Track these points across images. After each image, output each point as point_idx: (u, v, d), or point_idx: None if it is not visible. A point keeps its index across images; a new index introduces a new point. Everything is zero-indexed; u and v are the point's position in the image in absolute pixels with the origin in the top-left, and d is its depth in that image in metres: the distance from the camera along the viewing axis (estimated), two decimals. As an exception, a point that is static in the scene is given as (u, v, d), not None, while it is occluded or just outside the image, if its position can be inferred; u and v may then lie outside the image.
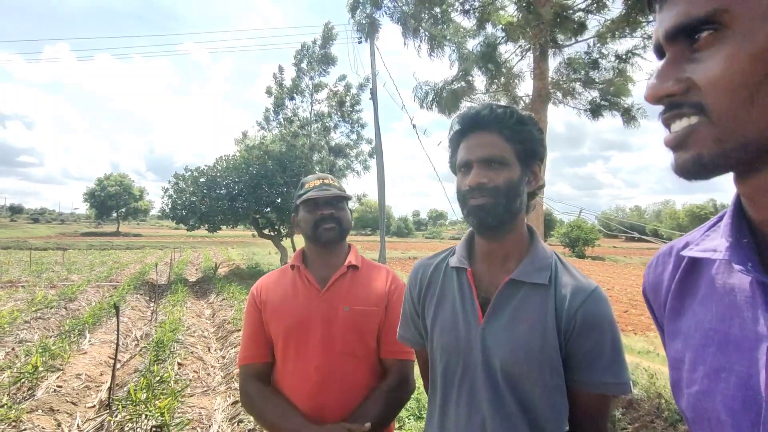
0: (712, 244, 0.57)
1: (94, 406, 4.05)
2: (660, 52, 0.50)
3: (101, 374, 4.97)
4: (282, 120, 19.11)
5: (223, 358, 5.64)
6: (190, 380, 4.63)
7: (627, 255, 41.14)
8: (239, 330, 6.46)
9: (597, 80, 6.29)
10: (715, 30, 0.43)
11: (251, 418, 3.60)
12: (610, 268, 26.66)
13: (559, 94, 6.59)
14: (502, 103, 1.06)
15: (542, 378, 0.95)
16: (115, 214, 71.22)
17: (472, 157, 0.98)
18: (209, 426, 3.64)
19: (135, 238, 56.13)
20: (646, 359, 6.73)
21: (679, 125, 0.47)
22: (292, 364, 1.39)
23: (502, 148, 0.97)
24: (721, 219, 0.57)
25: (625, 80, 6.07)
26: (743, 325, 0.51)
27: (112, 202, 67.32)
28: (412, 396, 2.17)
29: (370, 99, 10.82)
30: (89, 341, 5.98)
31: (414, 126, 9.34)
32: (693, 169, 0.47)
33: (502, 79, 6.11)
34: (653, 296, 0.68)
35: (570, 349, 0.95)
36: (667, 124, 0.49)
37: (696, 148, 0.46)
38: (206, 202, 14.62)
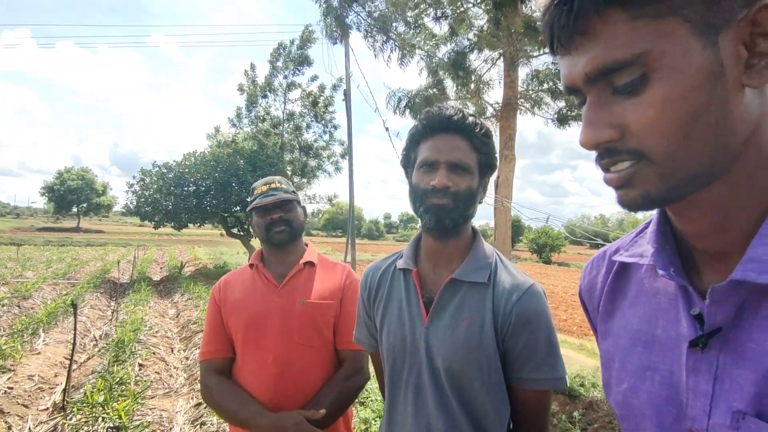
0: (640, 249, 0.61)
1: (47, 408, 3.89)
2: (573, 92, 0.51)
3: (56, 375, 4.77)
4: (254, 118, 18.86)
5: (187, 359, 5.50)
6: (152, 381, 4.50)
7: (591, 261, 42.28)
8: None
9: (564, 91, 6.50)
10: (641, 72, 0.44)
11: (215, 421, 3.54)
12: (575, 273, 27.41)
13: (527, 103, 6.79)
14: (471, 110, 1.09)
15: (482, 375, 0.97)
16: (75, 210, 68.39)
17: (441, 158, 0.99)
18: (170, 428, 3.55)
19: (97, 234, 54.04)
20: (604, 362, 6.96)
21: (621, 167, 0.48)
22: (251, 356, 1.44)
23: (469, 156, 1.00)
24: (648, 226, 0.61)
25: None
26: (666, 326, 0.55)
27: (72, 196, 64.56)
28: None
29: (343, 100, 10.81)
30: (44, 341, 5.74)
31: (387, 129, 9.40)
32: (642, 204, 0.48)
33: (472, 86, 6.23)
34: (588, 299, 0.73)
35: (507, 346, 0.98)
36: (605, 167, 0.49)
37: (642, 187, 0.47)
38: (172, 199, 14.24)
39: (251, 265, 1.55)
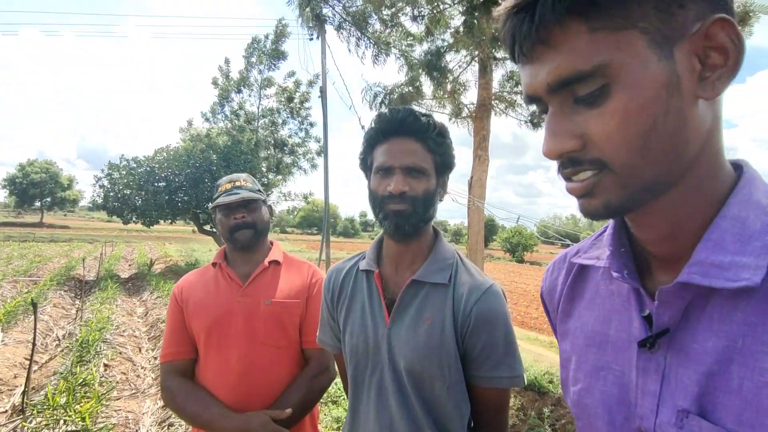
0: (597, 252, 0.63)
1: (6, 411, 3.74)
2: (534, 101, 0.51)
3: (15, 377, 4.58)
4: (228, 113, 18.53)
5: (155, 358, 5.37)
6: (117, 382, 4.38)
7: (561, 260, 43.35)
8: (174, 329, 6.19)
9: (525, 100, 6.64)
10: (602, 83, 0.45)
11: (183, 422, 3.47)
12: (546, 272, 27.96)
13: (502, 104, 6.89)
14: (427, 111, 1.08)
15: (443, 375, 0.98)
16: (38, 204, 65.77)
17: (395, 164, 0.98)
18: (137, 430, 3.46)
19: (61, 230, 52.15)
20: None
21: (583, 176, 0.48)
22: (214, 357, 1.41)
23: (424, 158, 1.00)
24: (606, 229, 0.63)
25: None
26: (619, 327, 0.57)
27: (35, 190, 62.11)
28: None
29: (319, 97, 10.74)
30: (2, 341, 5.50)
31: (363, 127, 9.40)
32: (604, 213, 0.49)
33: (448, 86, 6.28)
34: (549, 299, 0.74)
35: (466, 346, 0.99)
36: (567, 176, 0.50)
37: (603, 196, 0.48)
38: (142, 194, 13.85)
39: (214, 264, 1.52)
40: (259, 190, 1.54)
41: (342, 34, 6.22)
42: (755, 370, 0.43)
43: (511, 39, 0.49)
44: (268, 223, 1.55)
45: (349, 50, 6.19)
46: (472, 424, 1.05)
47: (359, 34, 6.12)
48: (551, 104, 0.49)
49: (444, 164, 1.04)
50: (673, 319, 0.50)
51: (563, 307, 0.68)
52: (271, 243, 1.61)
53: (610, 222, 0.61)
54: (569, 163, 0.49)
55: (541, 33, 0.46)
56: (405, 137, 1.00)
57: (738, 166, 0.52)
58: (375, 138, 1.03)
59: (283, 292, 1.46)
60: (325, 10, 6.69)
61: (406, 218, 0.98)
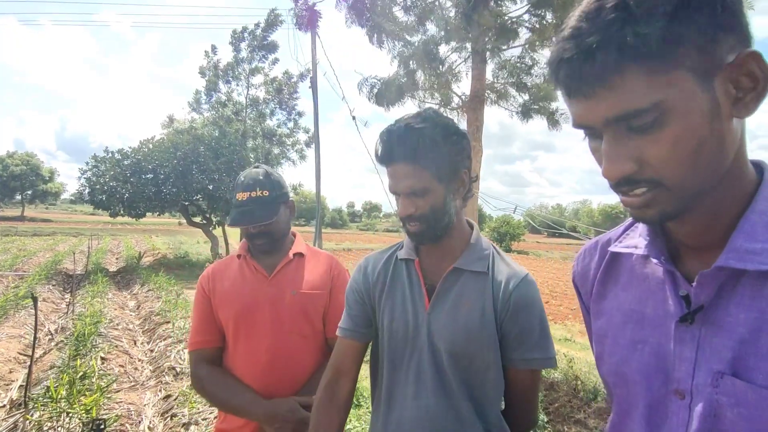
0: (633, 242, 0.70)
1: (4, 405, 3.73)
2: (585, 128, 0.58)
3: (10, 372, 4.56)
4: (215, 103, 18.30)
5: (152, 351, 5.37)
6: (117, 375, 4.38)
7: (549, 250, 44.05)
8: (168, 322, 6.18)
9: (528, 85, 6.70)
10: (655, 116, 0.51)
11: (185, 412, 3.51)
12: (534, 261, 28.41)
13: (493, 95, 6.94)
14: (422, 112, 1.07)
15: (482, 357, 1.05)
16: (19, 197, 64.35)
17: (398, 189, 1.05)
18: (139, 422, 3.49)
19: (44, 223, 51.22)
20: (564, 346, 7.33)
21: (639, 191, 0.56)
22: (242, 346, 1.45)
23: (421, 178, 1.02)
24: (634, 222, 0.71)
25: (553, 86, 6.50)
26: (656, 305, 0.66)
27: (16, 183, 60.71)
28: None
29: (309, 88, 10.65)
30: (-5, 336, 5.45)
31: (354, 118, 9.36)
32: (659, 220, 0.58)
33: (443, 77, 6.31)
34: (581, 282, 0.82)
35: (504, 330, 1.06)
36: (624, 193, 0.57)
37: (659, 207, 0.56)
38: (129, 187, 13.66)
39: (239, 256, 1.54)
40: (277, 195, 1.48)
41: (345, 15, 6.12)
42: None
43: (567, 81, 0.55)
44: (287, 225, 1.56)
45: (353, 25, 6.09)
46: (503, 406, 1.12)
47: (364, 16, 6.05)
48: (606, 133, 0.55)
49: (447, 169, 1.05)
50: (708, 297, 0.58)
51: (597, 289, 0.76)
52: (294, 235, 1.62)
53: None
54: (625, 182, 0.56)
55: (601, 76, 0.51)
56: (400, 162, 1.04)
57: (757, 165, 0.61)
58: (380, 163, 1.09)
59: (308, 283, 1.51)
60: (318, 5, 6.65)
61: (421, 234, 1.07)
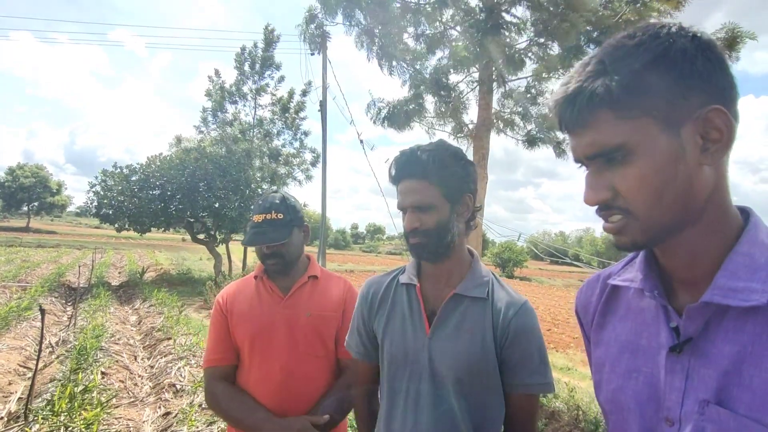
0: (630, 275, 0.76)
1: (3, 418, 3.71)
2: (578, 161, 0.67)
3: (9, 384, 4.55)
4: (221, 123, 18.54)
5: (152, 367, 5.35)
6: (117, 390, 4.37)
7: (551, 277, 43.82)
8: (169, 338, 6.17)
9: (534, 115, 6.82)
10: (625, 152, 0.60)
11: (184, 430, 3.49)
12: (536, 288, 28.22)
13: (500, 123, 7.06)
14: (433, 141, 1.16)
15: (483, 382, 1.08)
16: (25, 208, 64.81)
17: (405, 204, 1.12)
18: (137, 438, 3.47)
19: (48, 235, 51.40)
20: (566, 375, 7.25)
21: (615, 218, 0.64)
22: (257, 365, 1.49)
23: (429, 194, 1.09)
24: (636, 257, 0.77)
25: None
26: (650, 337, 0.70)
27: (23, 194, 61.26)
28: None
29: (318, 110, 10.86)
30: (-4, 347, 5.44)
31: (361, 141, 9.52)
32: (631, 248, 0.65)
33: (451, 105, 6.44)
34: (583, 313, 0.86)
35: (504, 356, 1.09)
36: (604, 218, 0.66)
37: (630, 236, 0.63)
38: (136, 202, 13.79)
39: (255, 277, 1.59)
40: (291, 218, 1.53)
41: (355, 41, 6.28)
42: (762, 369, 0.56)
43: (559, 119, 0.65)
44: (301, 248, 1.60)
45: (368, 59, 6.25)
46: (503, 430, 1.14)
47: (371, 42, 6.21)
48: (589, 165, 0.65)
49: (454, 190, 1.12)
50: (696, 329, 0.63)
51: (597, 320, 0.81)
52: (308, 258, 1.67)
53: (642, 251, 0.73)
54: (604, 208, 0.64)
55: (579, 118, 0.61)
56: (410, 179, 1.12)
57: (744, 211, 0.67)
58: (392, 182, 1.17)
59: (321, 305, 1.55)
60: (331, 25, 6.83)
61: (422, 248, 1.12)
